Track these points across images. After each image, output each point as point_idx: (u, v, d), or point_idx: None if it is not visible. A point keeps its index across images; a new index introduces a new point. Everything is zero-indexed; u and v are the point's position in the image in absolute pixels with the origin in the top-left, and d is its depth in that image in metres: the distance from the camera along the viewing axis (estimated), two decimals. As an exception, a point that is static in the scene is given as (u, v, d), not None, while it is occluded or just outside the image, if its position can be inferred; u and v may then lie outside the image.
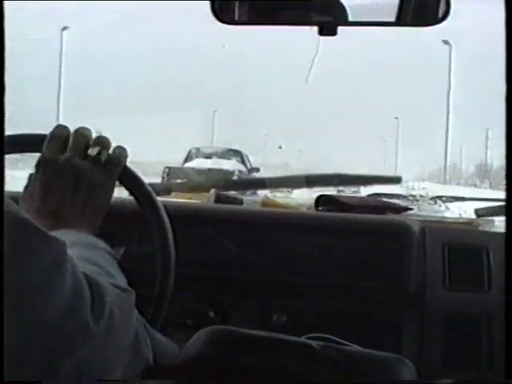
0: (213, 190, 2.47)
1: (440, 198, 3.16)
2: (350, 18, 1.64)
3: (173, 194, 2.62)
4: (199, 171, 15.15)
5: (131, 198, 1.63)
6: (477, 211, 2.51)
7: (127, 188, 1.62)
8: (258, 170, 18.38)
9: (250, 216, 2.23)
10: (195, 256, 2.05)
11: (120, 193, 1.77)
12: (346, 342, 1.57)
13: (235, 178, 14.90)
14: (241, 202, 2.43)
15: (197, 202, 2.52)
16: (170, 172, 15.43)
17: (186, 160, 18.30)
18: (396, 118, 37.82)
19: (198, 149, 19.13)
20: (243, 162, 18.21)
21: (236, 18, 1.66)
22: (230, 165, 17.03)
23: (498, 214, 2.45)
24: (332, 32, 1.56)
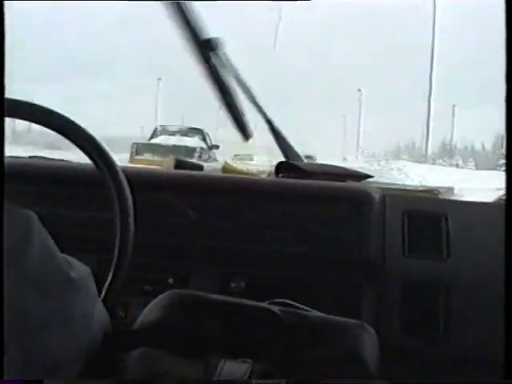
0: (172, 157, 2.45)
1: None
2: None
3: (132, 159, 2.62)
4: (164, 147, 16.86)
5: (90, 162, 1.61)
6: None
7: (85, 152, 1.60)
8: (217, 147, 19.68)
9: (210, 182, 2.22)
10: (155, 222, 2.05)
11: (79, 157, 1.75)
12: (306, 308, 1.57)
13: (196, 154, 16.95)
14: (201, 168, 2.42)
15: (157, 167, 2.51)
16: (138, 147, 17.13)
17: (152, 136, 20.04)
18: (359, 90, 36.44)
19: (163, 126, 20.78)
20: (204, 140, 19.66)
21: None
22: (193, 142, 18.79)
23: None
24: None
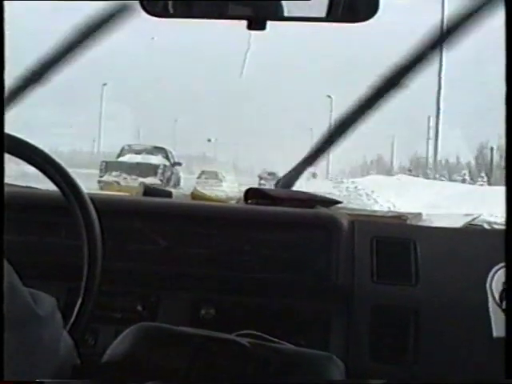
0: (141, 183, 2.45)
1: None
2: (280, 13, 1.63)
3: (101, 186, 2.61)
4: (131, 165, 19.07)
5: (57, 190, 1.60)
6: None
7: (52, 180, 1.60)
8: (179, 164, 21.88)
9: (179, 209, 2.21)
10: (123, 249, 2.03)
11: (47, 185, 1.74)
12: (275, 340, 1.57)
13: (160, 170, 18.99)
14: (170, 195, 2.41)
15: (125, 194, 2.49)
16: (107, 165, 19.34)
17: (120, 155, 21.66)
18: (329, 96, 33.93)
19: (130, 145, 22.57)
20: (167, 158, 21.36)
21: (165, 10, 1.64)
22: (157, 160, 20.43)
23: None
24: (261, 26, 1.55)
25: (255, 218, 2.12)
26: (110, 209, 1.94)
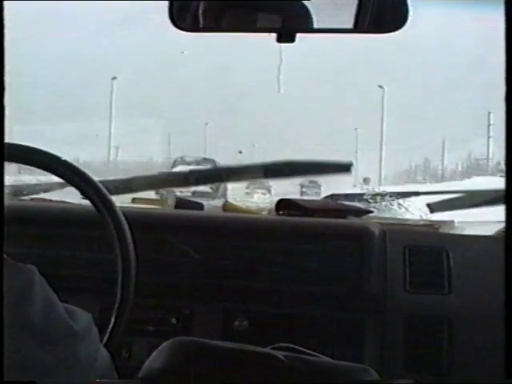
0: (173, 196, 2.46)
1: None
2: (310, 24, 1.64)
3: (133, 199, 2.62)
4: None
5: (90, 204, 1.62)
6: (430, 206, 2.52)
7: (85, 195, 1.61)
8: None
9: (211, 221, 2.22)
10: (156, 263, 2.05)
11: (79, 199, 1.76)
12: (311, 352, 1.57)
13: None
14: (201, 208, 2.42)
15: (157, 207, 2.51)
16: None
17: (173, 166, 21.94)
18: (380, 86, 31.24)
19: (182, 157, 22.74)
20: None
21: (195, 25, 1.65)
22: None
23: (452, 208, 2.47)
24: (290, 39, 1.55)
25: (287, 230, 2.12)
26: (142, 222, 1.96)
